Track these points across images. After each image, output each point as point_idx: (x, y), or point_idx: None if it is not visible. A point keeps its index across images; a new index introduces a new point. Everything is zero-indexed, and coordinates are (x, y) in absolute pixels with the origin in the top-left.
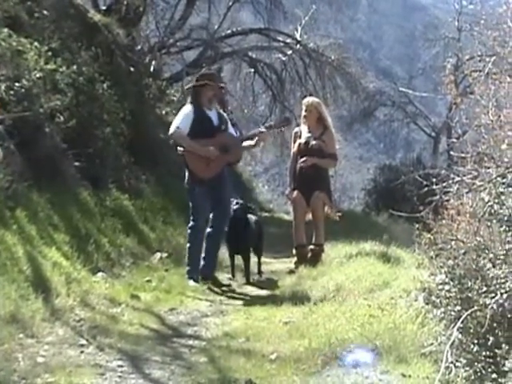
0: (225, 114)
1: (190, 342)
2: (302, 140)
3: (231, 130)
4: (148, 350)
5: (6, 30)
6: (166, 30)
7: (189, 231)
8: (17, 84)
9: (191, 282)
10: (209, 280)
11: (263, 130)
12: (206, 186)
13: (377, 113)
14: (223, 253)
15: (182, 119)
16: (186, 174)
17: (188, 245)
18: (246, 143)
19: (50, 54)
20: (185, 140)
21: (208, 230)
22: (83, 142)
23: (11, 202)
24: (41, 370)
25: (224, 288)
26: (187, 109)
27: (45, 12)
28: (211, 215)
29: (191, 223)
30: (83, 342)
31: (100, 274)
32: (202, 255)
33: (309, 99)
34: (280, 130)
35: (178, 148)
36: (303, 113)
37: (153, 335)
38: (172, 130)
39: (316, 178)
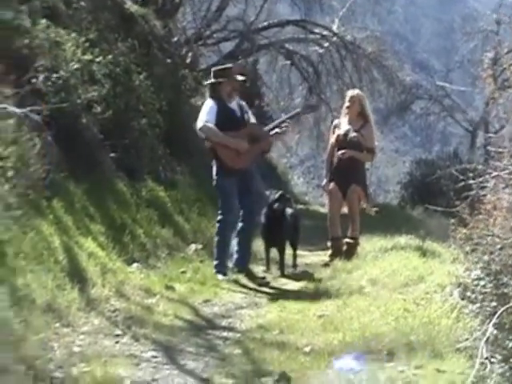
0: (244, 104)
1: (224, 334)
2: (341, 132)
3: (252, 118)
4: (182, 341)
5: (44, 20)
6: (202, 22)
7: (218, 225)
8: (55, 75)
9: (220, 276)
10: (243, 273)
11: (288, 117)
12: (235, 178)
13: (413, 106)
14: (258, 245)
15: (207, 113)
16: (214, 167)
17: (216, 238)
18: (273, 132)
19: (87, 44)
20: (214, 133)
21: (240, 224)
22: (119, 132)
23: (48, 192)
24: (76, 359)
25: (259, 280)
26: (209, 103)
27: (82, 3)
28: (241, 209)
29: (220, 217)
30: (118, 332)
31: (135, 264)
32: (236, 248)
33: (354, 91)
34: (310, 112)
35: (206, 142)
36: (346, 104)
37: (187, 326)
38: (200, 124)
39: (353, 170)
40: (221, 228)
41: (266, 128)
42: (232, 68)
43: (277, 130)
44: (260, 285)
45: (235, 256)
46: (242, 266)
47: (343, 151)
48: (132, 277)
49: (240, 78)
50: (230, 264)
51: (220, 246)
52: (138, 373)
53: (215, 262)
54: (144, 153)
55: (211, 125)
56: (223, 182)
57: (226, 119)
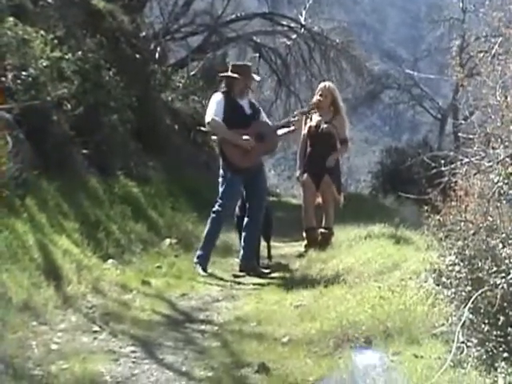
0: (257, 103)
1: (202, 327)
2: (313, 123)
3: (264, 118)
4: (160, 335)
5: (11, 18)
6: (170, 16)
7: (213, 215)
8: (24, 73)
9: (200, 270)
10: (249, 270)
11: (297, 116)
12: (241, 175)
13: (382, 95)
14: (233, 238)
15: (215, 107)
16: (221, 161)
17: (207, 228)
18: (281, 131)
19: (55, 42)
20: (222, 129)
21: (246, 220)
22: (90, 129)
23: (21, 191)
24: (55, 356)
25: (263, 274)
26: (218, 97)
27: (49, 0)
28: (248, 205)
29: (217, 208)
30: (96, 328)
31: (110, 260)
32: (242, 244)
33: (325, 84)
34: (309, 113)
35: (212, 137)
36: (317, 96)
37: (165, 321)
38: (208, 118)
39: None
40: (214, 219)
41: (273, 126)
42: (250, 67)
43: (284, 129)
44: (236, 277)
45: (241, 252)
46: (248, 264)
47: (332, 158)
48: (108, 273)
49: (256, 78)
50: (237, 260)
51: (208, 237)
52: (117, 368)
53: (199, 253)
54: (116, 149)
55: (219, 119)
56: (230, 177)
57: (234, 115)
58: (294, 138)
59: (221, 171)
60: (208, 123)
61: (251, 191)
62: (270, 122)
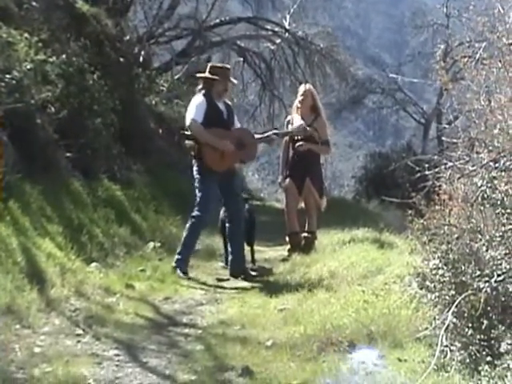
0: (230, 104)
1: (186, 331)
2: (295, 127)
3: (237, 122)
4: (144, 338)
5: None
6: (154, 20)
7: (192, 220)
8: (8, 75)
9: (179, 273)
10: (239, 274)
11: (278, 134)
12: (216, 178)
13: (366, 100)
14: (217, 242)
15: (196, 110)
16: (196, 163)
17: (185, 233)
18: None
19: (40, 45)
20: (202, 132)
21: (227, 225)
22: (74, 132)
23: (4, 194)
24: (38, 360)
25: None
26: (199, 99)
27: (34, 3)
28: (227, 210)
29: (196, 213)
30: (79, 331)
31: (94, 264)
32: (229, 249)
33: (305, 86)
34: (301, 133)
35: (187, 141)
36: (298, 98)
37: (148, 324)
38: (188, 121)
39: (308, 165)
40: (194, 224)
41: (255, 139)
42: (229, 69)
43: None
44: (219, 281)
45: (230, 257)
46: (238, 269)
47: (301, 143)
48: (91, 276)
49: (234, 80)
50: (221, 263)
51: (187, 241)
52: (101, 372)
53: (177, 257)
54: (99, 152)
55: (199, 122)
56: (205, 181)
57: (214, 117)
58: (278, 143)
59: (195, 174)
60: (188, 126)
61: (227, 195)
62: (239, 125)
